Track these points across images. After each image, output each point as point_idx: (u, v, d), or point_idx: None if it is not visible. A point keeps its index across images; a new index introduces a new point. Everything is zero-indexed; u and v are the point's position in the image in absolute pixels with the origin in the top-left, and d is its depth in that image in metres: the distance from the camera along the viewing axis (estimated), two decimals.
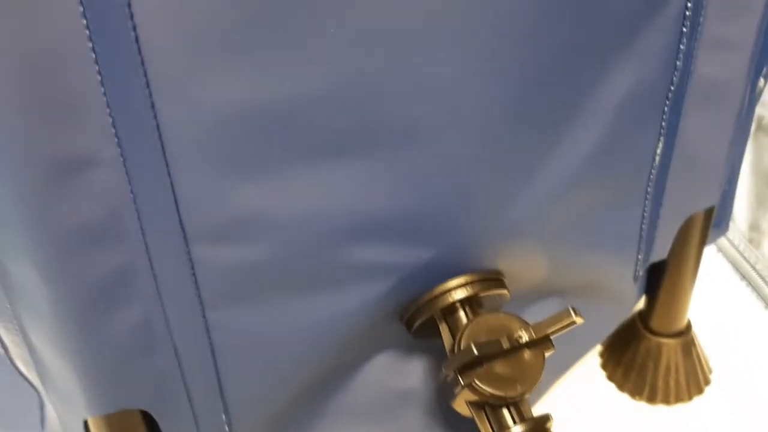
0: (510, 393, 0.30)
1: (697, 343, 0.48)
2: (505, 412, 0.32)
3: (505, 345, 0.30)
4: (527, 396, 0.31)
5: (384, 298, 0.32)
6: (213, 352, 0.32)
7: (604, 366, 0.49)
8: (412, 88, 0.27)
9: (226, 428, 0.34)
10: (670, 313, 0.46)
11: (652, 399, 0.47)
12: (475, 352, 0.29)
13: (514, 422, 0.31)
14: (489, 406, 0.32)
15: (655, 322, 0.46)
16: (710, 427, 0.46)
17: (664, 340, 0.46)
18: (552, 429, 0.32)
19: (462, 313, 0.33)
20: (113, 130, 0.25)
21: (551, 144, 0.32)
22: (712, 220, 0.42)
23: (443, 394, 0.39)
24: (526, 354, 0.31)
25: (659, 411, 0.47)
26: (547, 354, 0.32)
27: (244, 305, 0.30)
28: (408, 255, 0.31)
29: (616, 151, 0.34)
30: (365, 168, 0.28)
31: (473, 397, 0.32)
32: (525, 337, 0.30)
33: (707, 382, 0.48)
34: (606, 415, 0.47)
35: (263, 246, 0.29)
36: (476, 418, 0.32)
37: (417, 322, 0.33)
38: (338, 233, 0.30)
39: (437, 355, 0.39)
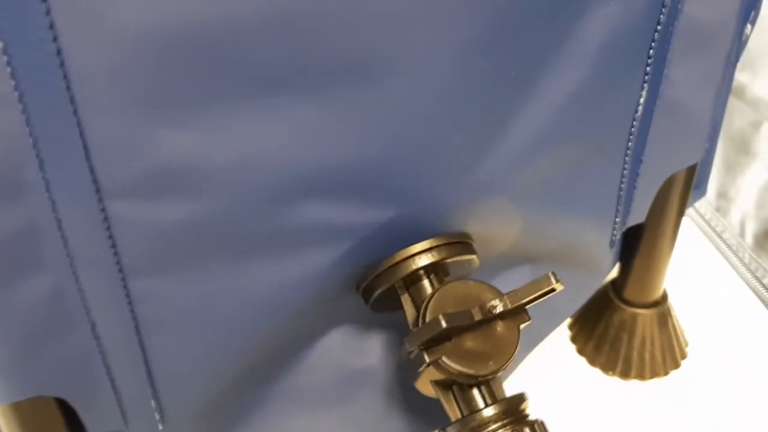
0: (481, 371, 0.27)
1: (673, 313, 0.45)
2: (475, 391, 0.28)
3: (477, 316, 0.26)
4: (500, 374, 0.28)
5: (337, 265, 0.28)
6: (138, 329, 0.27)
7: (574, 339, 0.46)
8: (372, 13, 0.23)
9: (157, 416, 0.30)
10: (646, 281, 0.43)
11: (625, 374, 0.44)
12: (444, 324, 0.25)
13: (486, 403, 0.28)
14: (457, 386, 0.28)
15: (630, 292, 0.43)
16: (688, 402, 0.43)
17: (640, 311, 0.43)
18: (528, 410, 0.28)
19: (426, 282, 0.29)
20: (4, 58, 0.20)
21: (528, 90, 0.28)
22: (694, 181, 0.39)
23: (405, 373, 0.35)
24: (499, 326, 0.27)
25: (633, 386, 0.44)
26: (522, 326, 0.28)
27: (173, 273, 0.26)
28: (365, 215, 0.27)
29: (596, 101, 0.31)
30: (315, 109, 0.24)
31: (439, 376, 0.28)
32: (499, 307, 0.26)
33: (683, 355, 0.45)
34: (576, 392, 0.44)
35: (193, 203, 0.25)
36: (442, 399, 0.29)
37: (376, 292, 0.29)
38: (282, 188, 0.25)
39: (398, 330, 0.35)
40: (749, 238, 0.57)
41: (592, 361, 0.45)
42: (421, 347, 0.26)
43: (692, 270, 0.51)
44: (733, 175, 0.61)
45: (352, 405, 0.35)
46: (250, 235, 0.26)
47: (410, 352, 0.27)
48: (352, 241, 0.28)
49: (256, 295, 0.28)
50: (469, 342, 0.27)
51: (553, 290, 0.27)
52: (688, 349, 0.46)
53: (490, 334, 0.27)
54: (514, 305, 0.26)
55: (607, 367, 0.44)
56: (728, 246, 0.57)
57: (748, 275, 0.55)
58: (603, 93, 0.31)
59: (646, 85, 0.32)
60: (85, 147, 0.23)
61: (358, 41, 0.23)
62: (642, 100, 0.33)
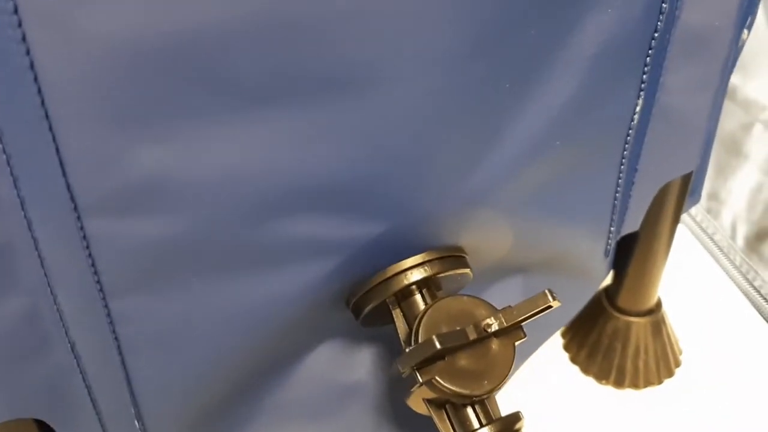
0: (476, 391, 0.26)
1: (667, 321, 0.44)
2: (470, 411, 0.27)
3: (472, 335, 0.25)
4: (495, 393, 0.27)
5: (325, 281, 0.27)
6: (120, 349, 0.26)
7: (567, 347, 0.46)
8: (356, 20, 0.22)
9: None
10: (640, 289, 0.42)
11: (619, 383, 0.43)
12: (438, 345, 0.24)
13: (480, 423, 0.27)
14: (450, 405, 0.27)
15: (624, 300, 0.43)
16: (682, 411, 0.42)
17: (634, 319, 0.43)
18: (523, 429, 0.27)
19: (419, 297, 0.28)
20: None
21: (521, 98, 0.27)
22: (689, 188, 0.38)
23: (395, 388, 0.34)
24: (494, 344, 0.27)
25: (627, 396, 0.43)
26: (518, 343, 0.27)
27: (155, 292, 0.25)
28: (353, 230, 0.26)
29: (591, 110, 0.30)
30: (298, 122, 0.23)
31: (432, 395, 0.27)
32: (494, 326, 0.25)
33: (677, 363, 0.44)
34: (568, 402, 0.43)
35: (174, 219, 0.23)
36: (435, 419, 0.28)
37: (366, 308, 0.28)
38: (266, 203, 0.25)
39: (387, 343, 0.34)
40: (740, 241, 0.56)
41: (586, 370, 0.44)
42: (414, 367, 0.26)
43: (682, 272, 0.51)
44: (724, 176, 0.60)
45: (341, 421, 0.34)
46: (233, 251, 0.25)
47: (402, 372, 0.26)
48: (340, 257, 0.27)
49: (241, 312, 0.27)
50: (463, 360, 0.26)
51: (549, 307, 0.26)
52: (681, 357, 0.45)
53: (485, 352, 0.26)
54: (510, 323, 0.25)
55: (601, 377, 0.44)
56: (719, 248, 0.56)
57: (740, 278, 0.54)
58: (598, 101, 0.30)
59: (642, 93, 0.32)
60: (61, 163, 0.22)
61: (342, 50, 0.22)
62: (638, 108, 0.32)
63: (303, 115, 0.23)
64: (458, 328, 0.25)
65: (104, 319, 0.25)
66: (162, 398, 0.28)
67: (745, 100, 0.57)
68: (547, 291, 0.26)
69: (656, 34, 0.30)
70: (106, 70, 0.20)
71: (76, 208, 0.23)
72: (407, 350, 0.25)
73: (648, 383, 0.43)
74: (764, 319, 0.50)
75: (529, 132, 0.28)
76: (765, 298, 0.53)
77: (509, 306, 0.27)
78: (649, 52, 0.30)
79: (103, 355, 0.26)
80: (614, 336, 0.43)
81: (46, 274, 0.24)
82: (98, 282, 0.24)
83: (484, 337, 0.26)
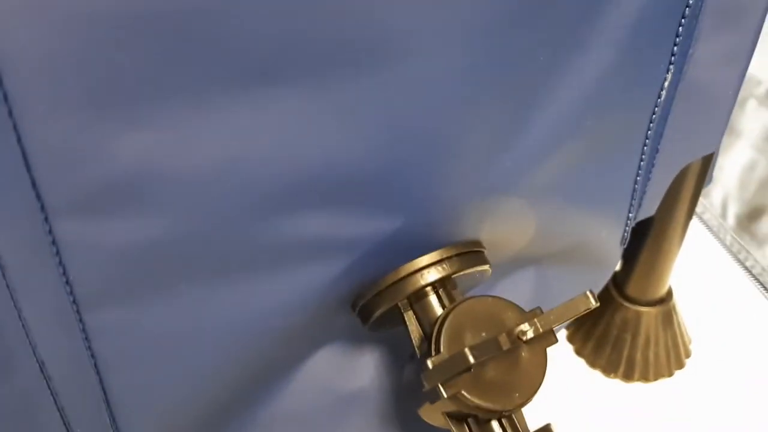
0: (507, 405, 0.23)
1: (678, 310, 0.42)
2: (496, 426, 0.24)
3: (505, 345, 0.22)
4: (525, 405, 0.24)
5: (332, 285, 0.24)
6: (97, 368, 0.23)
7: (571, 339, 0.43)
8: None
9: None
10: (652, 278, 0.40)
11: (628, 376, 0.41)
12: (472, 360, 0.21)
13: None
14: (473, 418, 0.25)
15: (634, 289, 0.40)
16: (695, 403, 0.40)
17: (644, 309, 0.40)
18: None
19: (434, 298, 0.25)
20: None
21: (558, 71, 0.24)
22: (709, 171, 0.36)
23: (402, 396, 0.31)
24: (524, 351, 0.24)
25: (637, 389, 0.41)
26: (549, 348, 0.24)
27: (137, 303, 0.22)
28: (367, 227, 0.23)
29: (624, 84, 0.27)
30: (307, 102, 0.20)
31: (455, 408, 0.24)
32: (530, 333, 0.22)
33: (688, 354, 0.42)
34: (575, 397, 0.40)
35: (159, 219, 0.20)
36: None
37: (376, 312, 0.25)
38: (268, 199, 0.21)
39: (392, 347, 0.31)
40: (731, 219, 0.54)
41: (593, 363, 0.42)
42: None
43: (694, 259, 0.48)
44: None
45: (342, 430, 0.31)
46: (229, 255, 0.22)
47: (428, 390, 0.23)
48: (350, 257, 0.24)
49: (236, 322, 0.24)
50: (492, 371, 0.23)
51: (589, 309, 0.23)
52: (692, 347, 0.43)
53: (515, 361, 0.23)
54: (545, 329, 0.23)
55: (609, 370, 0.41)
56: (709, 228, 0.54)
57: (730, 258, 0.52)
58: (631, 75, 0.27)
59: (671, 66, 0.29)
60: (25, 156, 0.18)
61: (366, 15, 0.19)
62: (666, 84, 0.29)
63: (313, 94, 0.19)
64: (489, 337, 0.22)
65: (78, 335, 0.22)
66: (145, 419, 0.25)
67: None
68: (588, 293, 0.23)
69: (690, 1, 0.27)
70: (76, 41, 0.17)
71: (43, 209, 0.19)
72: (432, 365, 0.22)
73: (658, 376, 0.41)
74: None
75: (559, 112, 0.25)
76: (757, 279, 0.51)
77: (538, 308, 0.24)
78: (682, 21, 0.27)
79: (78, 375, 0.23)
80: (623, 327, 0.40)
81: (8, 285, 0.20)
82: (71, 293, 0.21)
83: (518, 346, 0.23)
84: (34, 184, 0.18)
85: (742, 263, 0.52)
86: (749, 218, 0.54)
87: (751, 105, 0.59)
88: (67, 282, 0.21)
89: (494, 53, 0.21)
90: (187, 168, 0.20)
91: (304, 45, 0.19)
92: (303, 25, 0.18)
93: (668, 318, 0.41)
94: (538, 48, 0.22)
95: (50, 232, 0.19)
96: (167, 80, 0.18)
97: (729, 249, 0.53)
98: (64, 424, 0.24)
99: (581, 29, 0.23)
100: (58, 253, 0.20)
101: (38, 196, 0.19)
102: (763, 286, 0.50)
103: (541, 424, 0.24)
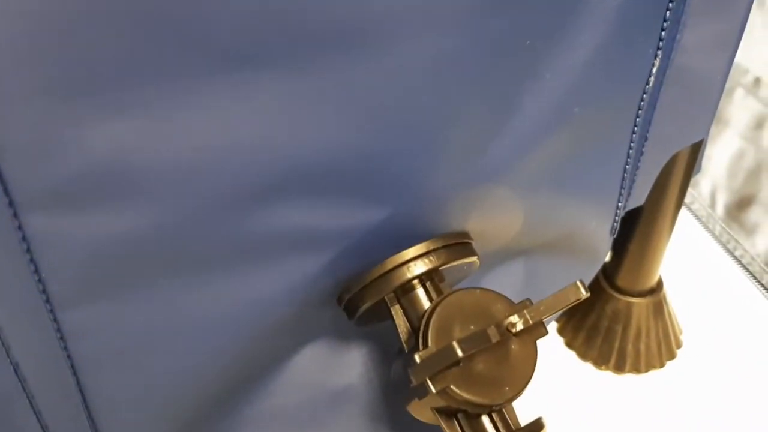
0: (497, 399, 0.22)
1: (668, 300, 0.41)
2: (486, 421, 0.24)
3: (495, 338, 0.22)
4: (516, 399, 0.23)
5: (317, 278, 0.23)
6: (74, 369, 0.22)
7: (561, 331, 0.42)
8: None
9: None
10: (643, 268, 0.39)
11: (619, 368, 0.41)
12: (460, 353, 0.20)
13: None
14: (463, 414, 0.24)
15: (624, 280, 0.40)
16: (686, 393, 0.40)
17: (635, 300, 0.40)
18: None
19: (422, 291, 0.25)
20: None
21: (544, 56, 0.23)
22: (698, 158, 0.35)
23: (391, 392, 0.30)
24: (514, 344, 0.23)
25: (628, 381, 0.40)
26: (539, 340, 0.24)
27: (114, 300, 0.21)
28: (352, 218, 0.22)
29: (611, 69, 0.26)
30: (290, 87, 0.19)
31: (444, 404, 0.23)
32: (519, 325, 0.22)
33: (679, 344, 0.42)
34: (566, 390, 0.40)
35: (136, 212, 0.19)
36: (446, 429, 0.24)
37: (362, 306, 0.25)
38: (249, 189, 0.20)
39: (380, 342, 0.30)
40: (720, 209, 0.54)
41: (583, 355, 0.41)
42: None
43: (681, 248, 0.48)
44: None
45: (329, 429, 0.30)
46: (210, 248, 0.21)
47: (412, 382, 0.22)
48: (335, 250, 0.23)
49: (218, 318, 0.23)
50: (481, 365, 0.22)
51: (579, 300, 0.22)
52: (682, 337, 0.42)
53: (504, 354, 0.23)
54: (536, 321, 0.22)
55: (600, 362, 0.41)
56: (698, 218, 0.54)
57: (719, 247, 0.52)
58: (618, 60, 0.26)
59: (659, 52, 0.28)
60: None
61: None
62: (654, 70, 0.29)
63: (297, 78, 0.19)
64: (478, 330, 0.22)
65: (53, 335, 0.21)
66: (125, 422, 0.24)
67: None
68: (579, 283, 0.22)
69: None
70: (43, 21, 0.16)
71: (11, 203, 0.18)
72: (420, 359, 0.21)
73: (650, 367, 0.41)
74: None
75: (548, 98, 0.24)
76: (746, 268, 0.51)
77: (528, 300, 0.23)
78: (669, 5, 0.27)
79: (55, 377, 0.22)
80: (614, 318, 0.40)
81: None
82: (44, 291, 0.20)
83: (508, 338, 0.22)
84: (1, 177, 0.18)
85: (731, 253, 0.52)
86: (738, 208, 0.54)
87: (739, 94, 0.59)
88: (39, 280, 0.20)
89: (479, 38, 0.20)
90: (163, 158, 0.19)
91: (283, 27, 0.18)
92: (282, 4, 0.17)
93: (659, 309, 0.40)
94: (523, 32, 0.22)
95: (20, 227, 0.19)
96: (140, 65, 0.17)
97: (718, 239, 0.53)
98: (41, 427, 0.24)
99: (567, 13, 0.23)
100: (29, 249, 0.19)
101: (6, 191, 0.18)
102: (753, 276, 0.50)
103: (532, 418, 0.24)
